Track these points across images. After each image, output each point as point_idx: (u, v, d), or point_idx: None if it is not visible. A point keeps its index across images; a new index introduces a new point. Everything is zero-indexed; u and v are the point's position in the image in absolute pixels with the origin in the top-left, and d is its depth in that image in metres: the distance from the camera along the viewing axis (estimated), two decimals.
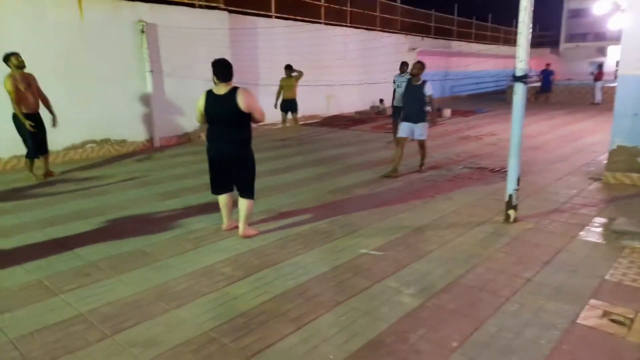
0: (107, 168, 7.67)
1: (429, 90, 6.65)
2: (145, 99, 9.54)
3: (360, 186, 6.23)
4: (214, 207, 4.72)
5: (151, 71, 9.41)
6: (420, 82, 6.70)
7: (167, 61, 9.82)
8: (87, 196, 5.89)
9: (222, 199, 4.41)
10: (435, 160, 7.57)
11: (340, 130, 12.26)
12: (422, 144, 6.94)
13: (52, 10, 8.03)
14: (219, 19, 10.91)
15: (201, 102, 4.08)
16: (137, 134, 9.53)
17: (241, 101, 3.95)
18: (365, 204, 5.38)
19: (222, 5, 11.22)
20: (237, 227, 4.42)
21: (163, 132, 9.93)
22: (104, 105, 8.85)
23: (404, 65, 9.16)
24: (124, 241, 4.32)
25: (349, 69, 15.57)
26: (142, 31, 9.21)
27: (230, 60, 4.08)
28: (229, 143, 4.08)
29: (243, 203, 4.27)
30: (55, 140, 7.59)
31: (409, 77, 7.23)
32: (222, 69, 4.00)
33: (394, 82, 9.19)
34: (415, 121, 6.72)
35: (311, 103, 13.66)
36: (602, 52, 32.87)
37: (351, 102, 16.13)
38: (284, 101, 10.08)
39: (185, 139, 10.36)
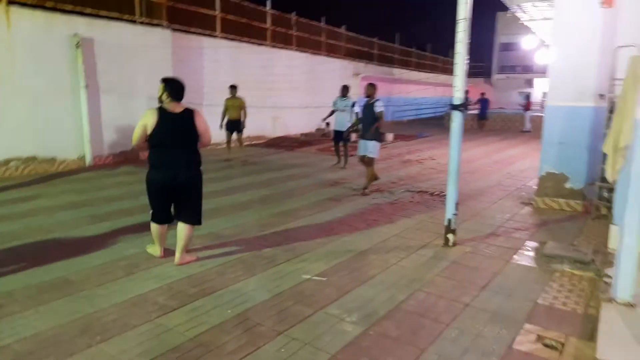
0: (34, 188, 7.12)
1: (379, 107, 6.88)
2: (78, 116, 9.02)
3: (305, 209, 6.17)
4: (149, 231, 4.46)
5: (86, 86, 8.94)
6: (372, 101, 6.94)
7: (104, 77, 9.40)
8: (7, 218, 5.40)
9: (162, 227, 4.09)
10: (379, 184, 7.68)
11: (285, 152, 12.21)
12: (369, 162, 7.04)
13: None
14: (161, 37, 10.64)
15: (150, 120, 3.66)
16: (68, 151, 8.96)
17: (199, 122, 3.81)
18: (309, 228, 5.32)
19: (165, 23, 10.97)
20: (172, 254, 4.15)
21: (98, 151, 9.42)
22: (32, 121, 8.28)
23: (345, 89, 9.38)
24: (46, 268, 3.96)
25: (295, 91, 15.69)
26: (77, 46, 8.76)
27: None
28: (185, 167, 3.83)
29: (184, 229, 4.01)
30: None
31: (351, 100, 8.95)
32: (177, 87, 3.80)
33: (334, 104, 9.39)
34: (368, 138, 6.93)
35: (257, 124, 13.54)
36: (529, 83, 35.53)
37: (297, 123, 16.19)
38: (229, 121, 9.91)
39: (121, 158, 9.87)
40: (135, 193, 6.58)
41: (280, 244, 4.74)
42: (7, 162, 8.03)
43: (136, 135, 3.74)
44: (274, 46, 15.26)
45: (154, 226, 4.08)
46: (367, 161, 7.06)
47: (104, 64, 9.35)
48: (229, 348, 2.82)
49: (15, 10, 7.97)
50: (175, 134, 3.73)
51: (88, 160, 9.21)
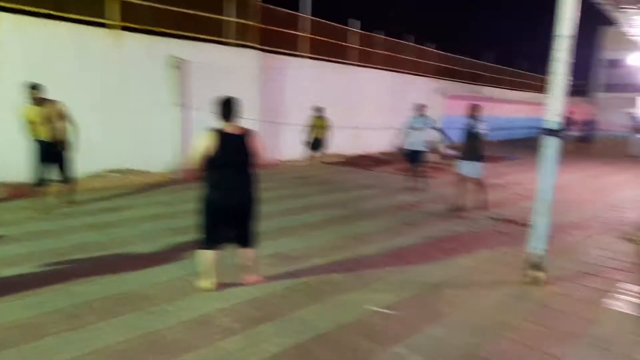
0: (126, 199, 7.66)
1: (482, 128, 7.07)
2: (172, 132, 9.66)
3: (378, 233, 5.95)
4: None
5: (180, 105, 9.56)
6: (476, 122, 7.11)
7: (197, 96, 9.98)
8: (96, 228, 5.81)
9: (216, 254, 3.90)
10: (460, 209, 7.22)
11: (364, 171, 12.06)
12: (479, 183, 7.28)
13: (94, 44, 8.38)
14: (251, 57, 11.11)
15: (209, 142, 3.63)
16: (161, 165, 9.59)
17: (255, 143, 3.81)
18: (382, 254, 5.10)
19: (257, 45, 11.44)
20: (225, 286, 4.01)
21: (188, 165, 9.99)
22: (132, 135, 9.00)
23: (420, 107, 8.90)
24: (123, 280, 4.15)
25: (378, 110, 15.55)
26: (175, 66, 9.42)
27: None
28: (243, 189, 3.83)
29: (248, 253, 4.04)
30: (85, 166, 7.72)
31: (430, 118, 8.72)
32: (231, 107, 3.71)
33: (410, 124, 8.82)
34: (472, 159, 7.14)
35: (337, 142, 13.59)
36: (634, 102, 32.05)
37: (378, 142, 15.98)
38: (315, 140, 10.45)
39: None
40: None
41: (350, 269, 4.58)
42: (109, 172, 8.77)
43: (197, 157, 3.72)
44: (358, 65, 15.29)
45: (207, 254, 3.86)
46: (477, 182, 7.25)
47: (197, 83, 9.95)
48: None
49: (125, 34, 8.83)
50: (233, 155, 3.73)
51: (180, 173, 9.77)
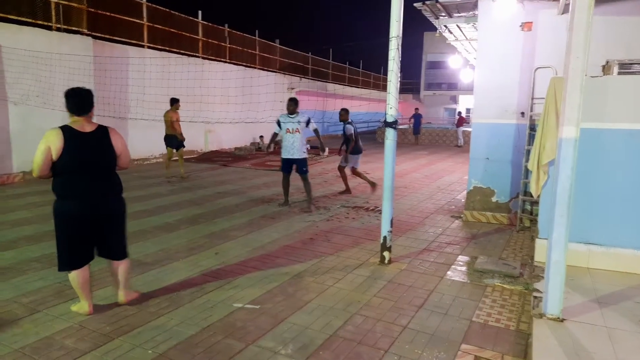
0: None
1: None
2: None
3: (238, 229, 5.89)
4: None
5: None
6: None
7: (14, 88, 8.57)
8: None
9: (84, 273, 3.33)
10: (314, 199, 7.56)
11: (219, 167, 11.80)
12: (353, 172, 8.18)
13: None
14: (81, 45, 9.94)
15: (55, 143, 3.04)
16: None
17: (116, 142, 3.29)
18: (242, 250, 5.05)
19: (85, 30, 10.27)
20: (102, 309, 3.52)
21: (4, 169, 8.52)
22: None
23: (293, 102, 7.04)
24: None
25: (229, 105, 15.30)
26: None
27: (93, 90, 3.33)
28: (104, 195, 3.28)
29: (123, 265, 3.51)
30: None
31: (305, 116, 7.01)
32: (79, 99, 3.18)
33: (280, 124, 7.01)
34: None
35: (189, 138, 13.05)
36: (455, 100, 37.53)
37: (231, 137, 15.80)
38: (165, 136, 9.44)
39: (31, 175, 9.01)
40: (45, 216, 5.95)
41: (209, 268, 4.44)
42: None
43: (38, 163, 3.05)
44: (205, 58, 14.84)
45: (73, 275, 3.30)
46: (352, 171, 8.34)
47: (14, 74, 8.53)
48: None
49: None
50: (86, 157, 3.17)
51: None
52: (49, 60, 9.09)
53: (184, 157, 10.27)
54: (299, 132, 6.93)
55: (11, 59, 8.52)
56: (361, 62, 31.72)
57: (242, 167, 11.93)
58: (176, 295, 3.83)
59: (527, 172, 5.74)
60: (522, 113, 6.24)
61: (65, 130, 3.13)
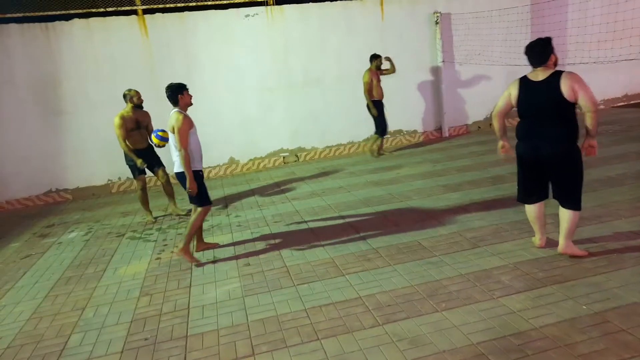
0: (398, 158, 8.18)
1: None
2: (436, 90, 9.68)
3: None
4: (496, 205, 4.36)
5: (443, 61, 9.46)
6: None
7: (459, 50, 9.67)
8: (378, 184, 6.41)
9: (532, 210, 3.65)
10: None
11: None
12: None
13: (360, 17, 9.05)
14: None
15: (513, 91, 3.46)
16: (427, 124, 9.80)
17: (566, 88, 3.20)
18: None
19: None
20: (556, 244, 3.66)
21: (452, 122, 9.89)
22: (398, 96, 9.43)
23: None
24: (403, 231, 4.48)
25: None
26: (437, 22, 9.32)
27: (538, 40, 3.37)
28: (547, 140, 3.32)
29: (565, 214, 3.45)
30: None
31: None
32: (535, 50, 3.33)
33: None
34: None
35: None
36: None
37: None
38: None
39: (474, 127, 10.04)
40: (484, 164, 6.55)
41: None
42: (395, 133, 9.50)
43: (497, 106, 3.61)
44: None
45: (526, 208, 3.69)
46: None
47: (459, 37, 9.62)
48: (581, 350, 2.44)
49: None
50: (535, 104, 3.33)
51: (444, 131, 9.81)
52: (488, 18, 9.67)
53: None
54: None
55: (457, 23, 9.59)
56: None
57: None
58: (616, 256, 3.46)
59: None
60: None
61: (522, 80, 3.46)
